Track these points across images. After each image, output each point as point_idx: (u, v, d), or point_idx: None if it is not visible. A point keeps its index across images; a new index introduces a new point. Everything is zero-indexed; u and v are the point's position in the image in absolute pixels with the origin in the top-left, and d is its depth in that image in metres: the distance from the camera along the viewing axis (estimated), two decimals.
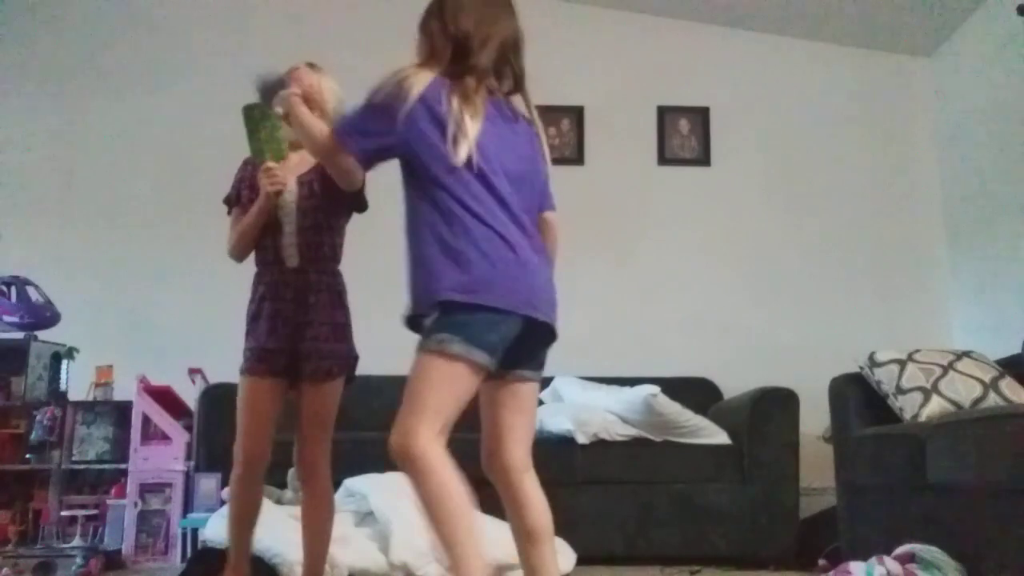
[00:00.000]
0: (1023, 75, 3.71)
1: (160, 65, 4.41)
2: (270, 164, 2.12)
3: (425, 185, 1.71)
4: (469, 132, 1.67)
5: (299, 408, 2.17)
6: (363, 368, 4.12)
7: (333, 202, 2.18)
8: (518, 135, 1.82)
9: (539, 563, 1.72)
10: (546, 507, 1.76)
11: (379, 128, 1.70)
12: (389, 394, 3.93)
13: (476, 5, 1.81)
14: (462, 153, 1.66)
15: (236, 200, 2.26)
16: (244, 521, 2.18)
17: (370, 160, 1.79)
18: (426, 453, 1.58)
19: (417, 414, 1.61)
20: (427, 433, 1.59)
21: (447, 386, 1.62)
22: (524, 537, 1.74)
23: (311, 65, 2.25)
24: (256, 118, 2.10)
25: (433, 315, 1.65)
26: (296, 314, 2.14)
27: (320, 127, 1.83)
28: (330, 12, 4.45)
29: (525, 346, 1.71)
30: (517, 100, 1.89)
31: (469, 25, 1.77)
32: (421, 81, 1.69)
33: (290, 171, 2.18)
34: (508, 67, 1.85)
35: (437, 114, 1.68)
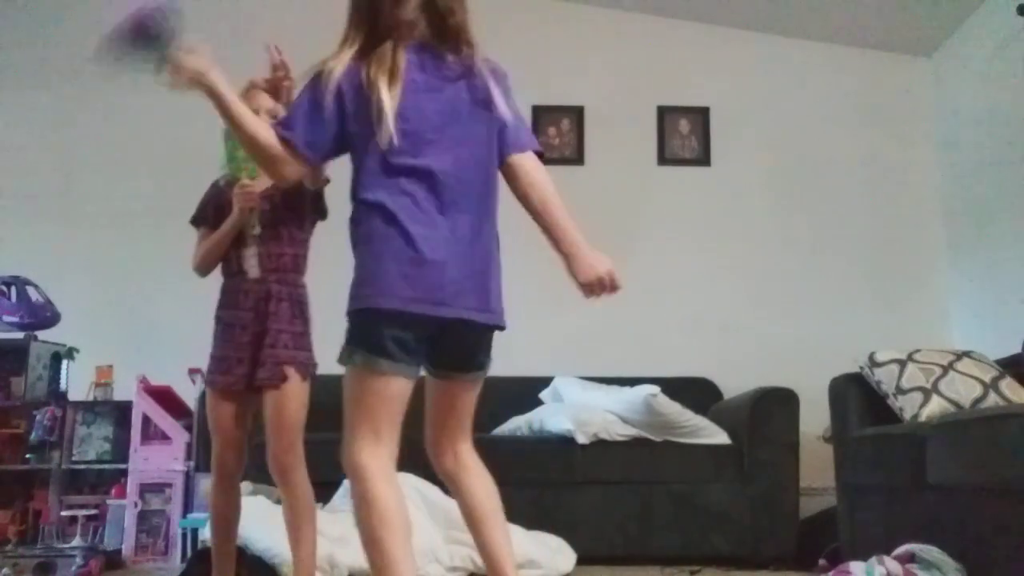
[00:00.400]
0: (1023, 75, 3.71)
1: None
2: (246, 181, 2.17)
3: (355, 180, 1.61)
4: (386, 105, 1.53)
5: (263, 415, 2.20)
6: None
7: (294, 213, 2.25)
8: (454, 89, 1.63)
9: (490, 545, 1.67)
10: (490, 492, 1.70)
11: (315, 123, 1.58)
12: (298, 395, 3.94)
13: None
14: (383, 136, 1.53)
15: (202, 220, 2.33)
16: (222, 527, 2.24)
17: (318, 155, 1.63)
18: (360, 465, 1.57)
19: (349, 429, 1.61)
20: (360, 445, 1.58)
21: (367, 398, 1.59)
22: (472, 523, 1.70)
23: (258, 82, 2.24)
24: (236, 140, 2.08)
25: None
26: (254, 323, 2.18)
27: (260, 125, 1.65)
28: (330, 15, 4.45)
29: (453, 344, 1.63)
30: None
31: None
32: (339, 65, 1.59)
33: (259, 187, 2.23)
34: (435, 14, 1.63)
35: (359, 95, 1.56)
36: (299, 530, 2.19)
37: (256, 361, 2.17)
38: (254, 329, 2.18)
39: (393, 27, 1.60)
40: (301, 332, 2.23)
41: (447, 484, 1.75)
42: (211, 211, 2.31)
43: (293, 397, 2.19)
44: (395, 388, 1.59)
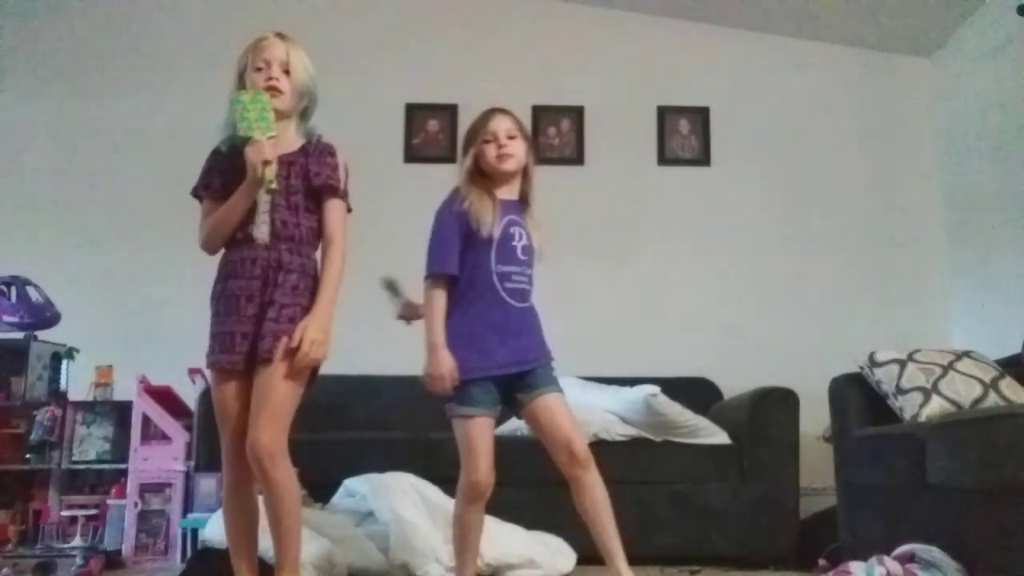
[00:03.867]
0: (1023, 75, 3.71)
1: (160, 64, 4.42)
2: (258, 138, 1.98)
3: None
4: None
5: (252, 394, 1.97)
6: (363, 368, 4.13)
7: (311, 188, 2.07)
8: None
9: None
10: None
11: None
12: (388, 394, 3.98)
13: None
14: None
15: (207, 188, 2.10)
16: (241, 530, 2.05)
17: None
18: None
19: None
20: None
21: None
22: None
23: (280, 36, 2.13)
24: (246, 100, 2.02)
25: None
26: (262, 293, 1.98)
27: None
28: (331, 14, 4.45)
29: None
30: None
31: None
32: None
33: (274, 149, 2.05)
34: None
35: None
36: (285, 531, 1.97)
37: (258, 335, 1.95)
38: (260, 300, 1.97)
39: None
40: (310, 307, 2.00)
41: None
42: (216, 178, 2.08)
43: (283, 375, 1.94)
44: None
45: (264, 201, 2.02)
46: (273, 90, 2.05)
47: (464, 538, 2.20)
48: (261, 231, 2.02)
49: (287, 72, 2.08)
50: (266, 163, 1.96)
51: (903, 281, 4.35)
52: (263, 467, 1.92)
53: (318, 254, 2.10)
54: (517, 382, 2.16)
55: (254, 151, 1.97)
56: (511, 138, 2.21)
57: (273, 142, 2.01)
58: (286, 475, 1.97)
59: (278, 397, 1.94)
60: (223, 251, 2.08)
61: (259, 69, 2.07)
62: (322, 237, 2.09)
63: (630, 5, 4.45)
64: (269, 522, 2.00)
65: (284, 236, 2.03)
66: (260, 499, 2.04)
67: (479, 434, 2.11)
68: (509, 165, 2.20)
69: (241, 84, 2.11)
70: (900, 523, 2.61)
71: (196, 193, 2.12)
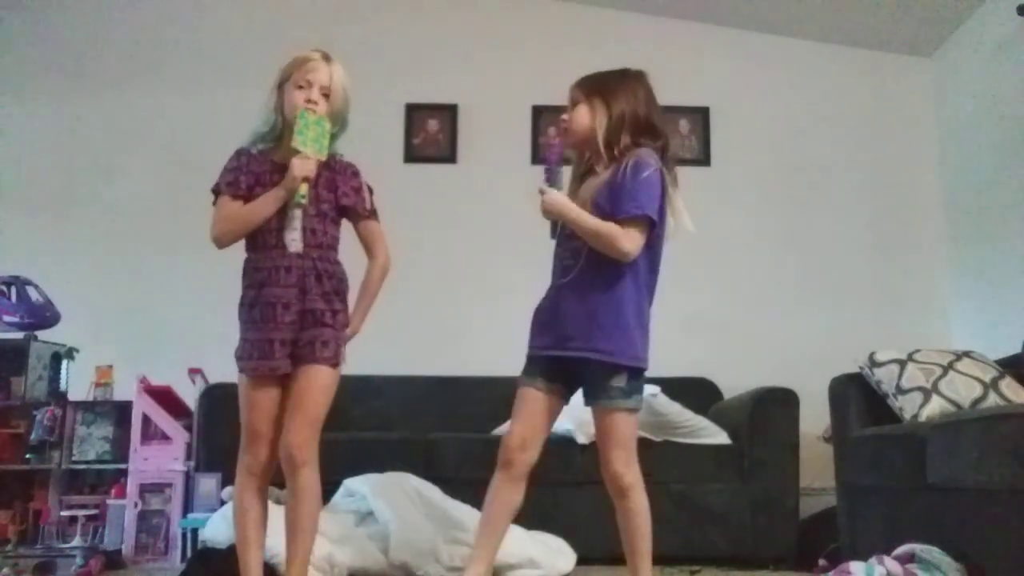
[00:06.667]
0: (1023, 75, 3.71)
1: (160, 64, 4.42)
2: (309, 154, 2.06)
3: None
4: None
5: (291, 394, 2.06)
6: (363, 368, 4.12)
7: (338, 203, 2.17)
8: None
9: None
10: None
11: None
12: (389, 394, 3.98)
13: None
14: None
15: (231, 187, 2.13)
16: (253, 533, 2.10)
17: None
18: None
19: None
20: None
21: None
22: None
23: (325, 57, 2.16)
24: (311, 120, 2.09)
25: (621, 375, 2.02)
26: (300, 301, 2.06)
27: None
28: (331, 14, 4.45)
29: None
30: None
31: None
32: None
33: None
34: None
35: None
36: (300, 532, 2.06)
37: (297, 341, 2.04)
38: (298, 307, 2.05)
39: None
40: (342, 311, 2.11)
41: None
42: (243, 178, 2.12)
43: (327, 381, 2.06)
44: None
45: (297, 216, 2.10)
46: (311, 112, 2.11)
47: (485, 514, 2.10)
48: (294, 240, 2.09)
49: (326, 95, 2.13)
50: (306, 179, 2.06)
51: (903, 281, 4.34)
52: (294, 466, 2.02)
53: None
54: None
55: (302, 166, 2.05)
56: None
57: (317, 165, 2.09)
58: (314, 477, 2.06)
59: (316, 402, 2.05)
60: (251, 256, 2.13)
61: (300, 87, 2.12)
62: (366, 251, 2.23)
63: (630, 5, 4.45)
64: (287, 520, 2.07)
65: (314, 243, 2.10)
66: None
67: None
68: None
69: (279, 93, 2.15)
70: (900, 523, 2.61)
71: (217, 190, 2.16)
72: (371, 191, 2.23)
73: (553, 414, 2.13)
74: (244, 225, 2.09)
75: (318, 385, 2.05)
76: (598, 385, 2.06)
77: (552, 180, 2.09)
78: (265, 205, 2.07)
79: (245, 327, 2.10)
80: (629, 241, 1.99)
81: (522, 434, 2.07)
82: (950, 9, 4.10)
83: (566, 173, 2.15)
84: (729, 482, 3.34)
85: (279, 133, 2.14)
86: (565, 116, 2.16)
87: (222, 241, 2.11)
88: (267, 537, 2.17)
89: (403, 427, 3.58)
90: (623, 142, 2.06)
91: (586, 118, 2.11)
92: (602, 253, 2.01)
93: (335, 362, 2.08)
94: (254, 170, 2.13)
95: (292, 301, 2.05)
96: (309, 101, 2.09)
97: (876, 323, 4.19)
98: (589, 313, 2.03)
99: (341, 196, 2.15)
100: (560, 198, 2.04)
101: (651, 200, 2.02)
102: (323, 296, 2.08)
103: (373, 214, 2.22)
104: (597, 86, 2.15)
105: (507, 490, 2.08)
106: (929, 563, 2.21)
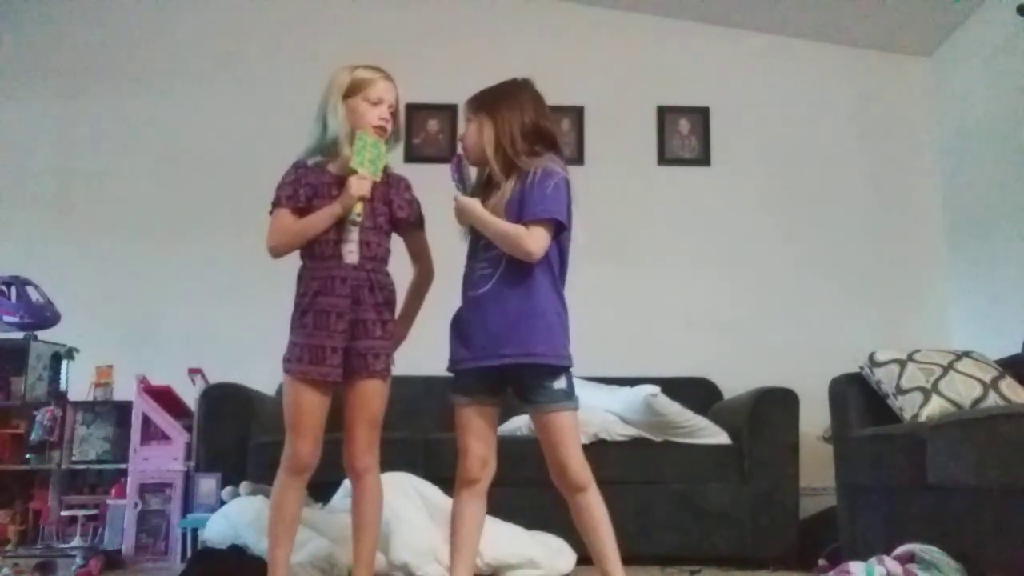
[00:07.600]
0: (1023, 75, 3.71)
1: (160, 65, 4.42)
2: (367, 175, 2.15)
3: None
4: None
5: (350, 405, 2.17)
6: None
7: (393, 216, 2.25)
8: None
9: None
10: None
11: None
12: (388, 394, 3.94)
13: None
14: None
15: (291, 200, 2.19)
16: (288, 531, 2.17)
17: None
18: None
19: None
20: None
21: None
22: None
23: (386, 76, 2.24)
24: (369, 142, 2.17)
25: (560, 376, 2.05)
26: (352, 311, 2.13)
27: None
28: (330, 15, 4.45)
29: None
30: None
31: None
32: None
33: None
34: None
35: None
36: (365, 529, 2.19)
37: (350, 350, 2.13)
38: (350, 317, 2.13)
39: None
40: (390, 321, 2.21)
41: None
42: (303, 192, 2.19)
43: (383, 392, 2.19)
44: None
45: (354, 229, 2.16)
46: (381, 130, 2.21)
47: (457, 534, 2.13)
48: (350, 252, 2.16)
49: (393, 114, 2.24)
50: (362, 198, 2.14)
51: (903, 281, 4.35)
52: (360, 472, 2.19)
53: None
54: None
55: (359, 185, 2.13)
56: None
57: (373, 185, 2.17)
58: (378, 481, 2.23)
59: (377, 409, 2.19)
60: (308, 265, 2.19)
61: (375, 104, 2.20)
62: (412, 260, 2.34)
63: (630, 5, 4.46)
64: (354, 523, 2.21)
65: (369, 256, 2.18)
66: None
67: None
68: None
69: (343, 105, 2.20)
70: (900, 523, 2.61)
71: (277, 203, 2.21)
72: (419, 203, 2.32)
73: (497, 423, 2.19)
74: (299, 238, 2.17)
75: (376, 396, 2.17)
76: (536, 388, 2.07)
77: (464, 189, 2.18)
78: (321, 220, 2.15)
79: (297, 332, 2.16)
80: (534, 241, 2.03)
81: (479, 453, 2.11)
82: (950, 9, 4.11)
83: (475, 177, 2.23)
84: (729, 482, 3.34)
85: (337, 144, 2.19)
86: (462, 134, 2.24)
87: (278, 251, 2.19)
88: (266, 537, 2.17)
89: (403, 427, 3.57)
90: (520, 152, 2.12)
91: (475, 136, 2.16)
92: (519, 261, 2.07)
93: (388, 373, 2.19)
94: (312, 182, 2.19)
95: (345, 311, 2.13)
96: (383, 119, 2.19)
97: (876, 323, 4.20)
98: (516, 319, 2.05)
99: (396, 209, 2.24)
100: (470, 202, 2.11)
101: (558, 204, 2.08)
102: (375, 307, 2.16)
103: (422, 225, 2.32)
104: (484, 103, 2.21)
105: (474, 506, 2.13)
106: (929, 563, 2.21)
